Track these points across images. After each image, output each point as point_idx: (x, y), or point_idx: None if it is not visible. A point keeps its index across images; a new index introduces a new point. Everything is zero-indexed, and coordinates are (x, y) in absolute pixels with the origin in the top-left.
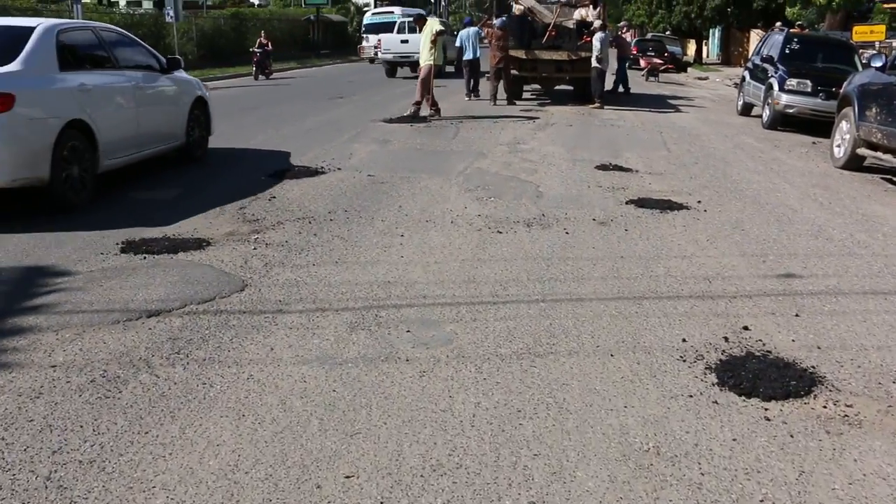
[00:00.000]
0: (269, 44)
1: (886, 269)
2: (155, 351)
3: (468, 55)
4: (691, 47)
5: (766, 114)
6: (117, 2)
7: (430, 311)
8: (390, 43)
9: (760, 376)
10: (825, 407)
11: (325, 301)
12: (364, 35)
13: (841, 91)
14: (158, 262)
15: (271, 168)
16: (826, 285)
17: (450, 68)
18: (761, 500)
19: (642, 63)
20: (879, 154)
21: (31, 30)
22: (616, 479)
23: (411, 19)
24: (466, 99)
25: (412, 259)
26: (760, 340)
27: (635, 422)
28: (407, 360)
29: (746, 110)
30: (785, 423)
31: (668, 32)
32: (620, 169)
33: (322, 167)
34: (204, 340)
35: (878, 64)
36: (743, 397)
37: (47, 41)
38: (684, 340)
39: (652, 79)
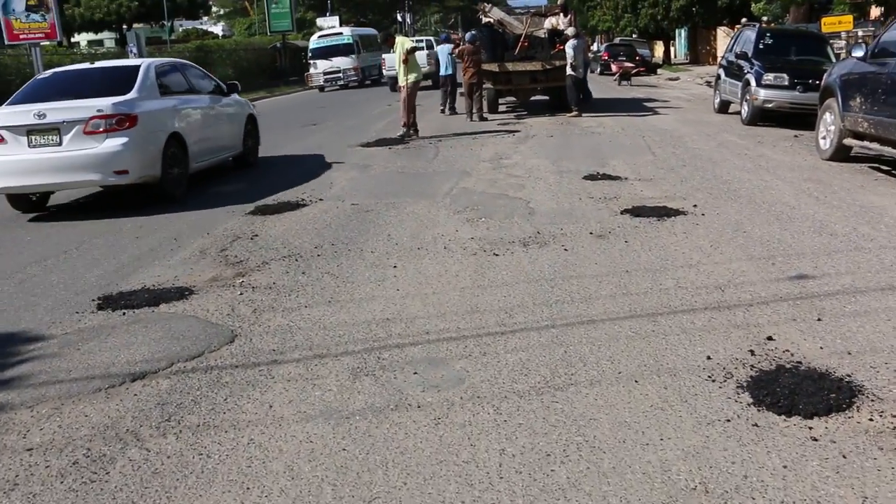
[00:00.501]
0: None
1: None
2: (143, 420)
3: (443, 71)
4: (659, 49)
5: (745, 110)
6: (78, 42)
7: (435, 349)
8: (392, 61)
9: (797, 391)
10: (871, 420)
11: (322, 346)
12: (311, 61)
13: (822, 83)
14: (139, 317)
15: (251, 204)
16: (842, 284)
17: (426, 82)
18: None
19: (613, 68)
20: (867, 143)
21: (137, 67)
22: None
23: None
24: (442, 114)
25: (409, 291)
26: (788, 351)
27: (675, 455)
28: (419, 407)
29: (724, 108)
30: (833, 442)
31: (634, 36)
32: (609, 178)
33: (303, 199)
34: (196, 403)
35: (859, 53)
36: (783, 416)
37: (150, 74)
38: (709, 358)
39: (624, 83)
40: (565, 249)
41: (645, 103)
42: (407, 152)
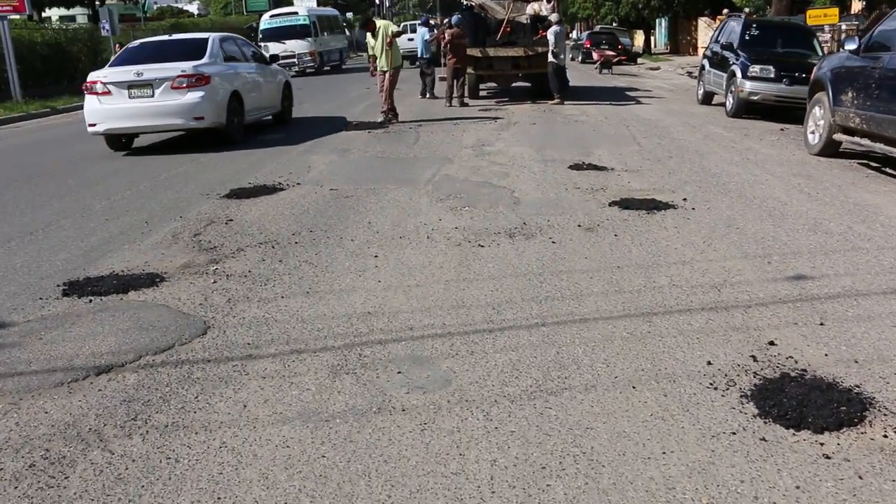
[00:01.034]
0: None
1: None
2: (107, 418)
3: (420, 54)
4: (639, 38)
5: (730, 102)
6: (49, 17)
7: (420, 346)
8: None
9: (804, 402)
10: (885, 436)
11: (300, 340)
12: (262, 44)
13: (812, 76)
14: (106, 304)
15: (226, 187)
16: (842, 287)
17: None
18: None
19: (595, 56)
20: (857, 139)
21: (206, 39)
22: None
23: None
24: (421, 98)
25: (391, 283)
26: (791, 357)
27: (679, 472)
28: (403, 410)
29: (707, 99)
30: (847, 460)
31: (615, 24)
32: (595, 168)
33: (280, 183)
34: (164, 401)
35: (852, 46)
36: (792, 430)
37: (216, 45)
38: (709, 363)
39: (606, 71)
40: (553, 242)
41: (627, 92)
42: (387, 137)
